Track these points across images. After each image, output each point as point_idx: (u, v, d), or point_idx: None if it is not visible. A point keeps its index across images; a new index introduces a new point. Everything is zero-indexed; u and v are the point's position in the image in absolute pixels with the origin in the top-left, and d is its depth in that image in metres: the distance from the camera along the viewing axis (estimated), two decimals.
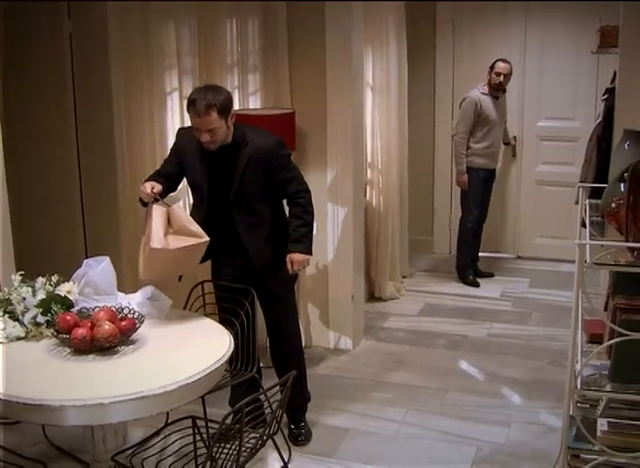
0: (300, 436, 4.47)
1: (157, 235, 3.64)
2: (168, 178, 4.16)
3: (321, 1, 5.25)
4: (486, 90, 7.00)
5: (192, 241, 3.72)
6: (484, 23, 7.68)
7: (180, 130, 4.44)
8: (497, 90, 6.98)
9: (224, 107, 3.89)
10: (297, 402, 4.44)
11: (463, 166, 7.03)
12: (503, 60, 6.94)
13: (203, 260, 4.11)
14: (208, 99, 3.82)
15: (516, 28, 7.59)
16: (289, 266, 4.17)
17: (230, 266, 4.30)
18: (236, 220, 4.12)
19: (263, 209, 4.19)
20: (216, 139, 3.92)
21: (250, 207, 4.13)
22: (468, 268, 7.30)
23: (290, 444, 4.21)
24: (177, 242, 3.68)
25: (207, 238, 3.77)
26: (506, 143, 7.62)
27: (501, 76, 6.90)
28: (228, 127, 3.96)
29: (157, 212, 3.72)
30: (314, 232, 4.33)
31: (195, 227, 3.77)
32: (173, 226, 3.73)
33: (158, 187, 3.92)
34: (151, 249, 3.60)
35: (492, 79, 6.94)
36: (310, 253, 4.23)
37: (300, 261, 4.17)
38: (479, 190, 7.15)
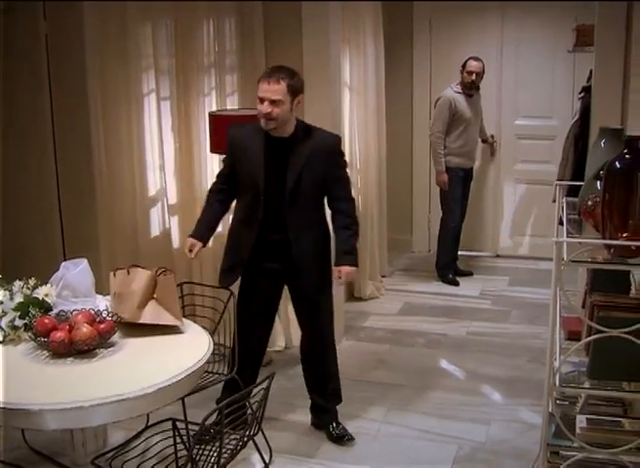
0: (345, 435, 4.47)
1: (131, 306, 3.50)
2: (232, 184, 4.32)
3: (298, 1, 5.24)
4: (459, 88, 7.01)
5: (165, 320, 3.52)
6: (461, 22, 7.70)
7: (231, 128, 4.37)
8: (470, 88, 7.00)
9: (295, 86, 3.98)
10: (335, 402, 4.57)
11: (442, 165, 7.02)
12: (475, 58, 6.96)
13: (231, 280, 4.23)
14: (283, 71, 3.97)
15: (493, 27, 7.61)
16: (335, 277, 4.17)
17: (266, 274, 4.25)
18: (288, 219, 4.10)
19: (316, 210, 4.20)
20: (276, 116, 3.94)
21: (304, 205, 4.11)
22: (449, 267, 7.31)
23: (334, 443, 4.43)
24: (150, 314, 3.50)
25: (181, 323, 3.56)
26: (484, 141, 7.65)
27: (474, 75, 6.92)
28: (291, 110, 4.00)
29: (145, 275, 3.62)
30: None
31: (177, 309, 3.60)
32: (156, 294, 3.59)
33: (197, 248, 4.22)
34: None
35: (464, 78, 6.96)
36: (357, 265, 4.23)
37: (348, 273, 4.15)
38: (459, 189, 7.14)
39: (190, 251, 4.20)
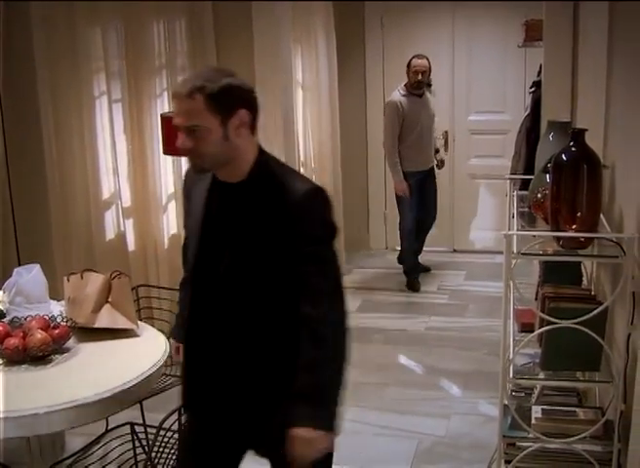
0: None
1: (85, 310, 3.48)
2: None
3: (248, 0, 5.23)
4: (406, 90, 6.74)
5: (120, 324, 3.49)
6: (413, 20, 7.74)
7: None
8: (417, 88, 6.71)
9: (221, 96, 2.37)
10: None
11: (400, 174, 6.77)
12: (419, 56, 6.69)
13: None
14: (200, 78, 2.38)
15: (444, 24, 7.66)
16: (288, 446, 2.39)
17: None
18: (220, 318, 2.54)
19: (272, 310, 2.48)
20: (198, 149, 2.39)
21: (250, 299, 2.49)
22: (416, 271, 7.19)
23: None
24: (105, 318, 3.48)
25: (137, 327, 3.52)
26: (436, 151, 7.21)
27: (419, 74, 6.62)
28: (227, 138, 2.41)
29: (99, 279, 3.58)
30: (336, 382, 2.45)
31: (132, 312, 3.56)
32: (110, 298, 3.56)
33: (181, 349, 2.75)
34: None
35: (410, 77, 6.68)
36: (327, 429, 2.41)
37: (304, 441, 2.38)
38: (416, 194, 6.89)
39: (177, 353, 2.85)
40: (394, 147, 6.74)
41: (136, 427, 3.69)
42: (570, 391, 3.52)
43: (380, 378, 5.22)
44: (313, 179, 6.22)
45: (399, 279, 7.20)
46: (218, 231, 2.52)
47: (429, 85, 6.89)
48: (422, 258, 7.56)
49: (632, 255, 2.85)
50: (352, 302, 6.63)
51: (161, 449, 3.11)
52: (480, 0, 7.36)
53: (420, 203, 7.00)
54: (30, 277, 3.56)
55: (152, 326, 3.76)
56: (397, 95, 6.76)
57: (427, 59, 6.70)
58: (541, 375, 3.22)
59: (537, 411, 3.22)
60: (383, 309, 6.55)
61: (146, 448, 3.54)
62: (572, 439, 3.05)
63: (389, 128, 6.74)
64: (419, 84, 6.67)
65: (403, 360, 5.48)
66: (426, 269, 7.44)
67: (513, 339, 3.41)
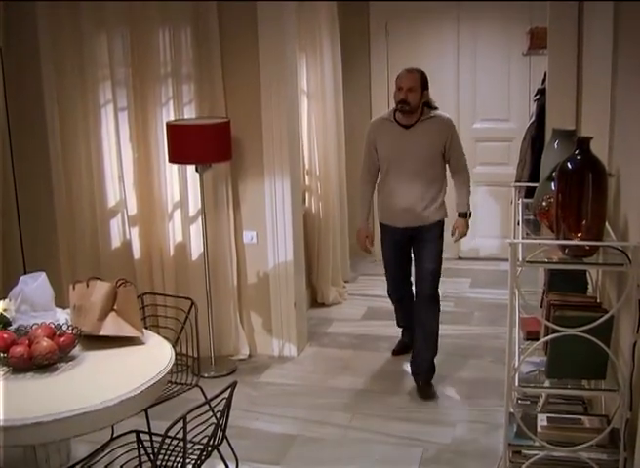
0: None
1: (91, 318, 3.49)
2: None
3: (252, 0, 5.23)
4: (392, 114, 5.06)
5: (126, 332, 3.51)
6: (417, 27, 7.73)
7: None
8: (403, 111, 4.92)
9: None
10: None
11: (363, 215, 5.32)
12: (408, 70, 4.95)
13: None
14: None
15: (449, 31, 7.65)
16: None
17: None
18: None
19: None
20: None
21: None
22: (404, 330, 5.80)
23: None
24: (110, 326, 3.49)
25: (142, 335, 3.55)
26: (460, 215, 5.30)
27: (403, 91, 4.85)
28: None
29: (104, 286, 3.59)
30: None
31: (137, 320, 3.58)
32: (116, 306, 3.57)
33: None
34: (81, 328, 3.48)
35: (395, 96, 4.95)
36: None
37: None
38: (389, 253, 5.33)
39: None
40: (366, 181, 5.28)
41: (141, 435, 3.68)
42: (575, 399, 3.51)
43: (385, 386, 5.22)
44: (318, 187, 6.29)
45: None
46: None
47: (430, 107, 5.03)
48: None
49: (638, 264, 2.85)
50: (357, 310, 6.68)
51: (166, 457, 3.12)
52: (485, 0, 7.35)
53: (402, 265, 5.39)
54: (36, 285, 3.56)
55: (158, 333, 3.77)
56: (384, 114, 5.23)
57: (418, 74, 4.92)
58: (547, 384, 3.22)
59: (542, 420, 3.21)
60: (389, 317, 6.51)
61: (152, 455, 3.54)
62: (577, 447, 3.04)
63: (364, 153, 5.28)
64: (403, 106, 4.88)
65: (408, 368, 5.46)
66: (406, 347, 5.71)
67: (519, 347, 3.41)
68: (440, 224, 5.17)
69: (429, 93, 5.00)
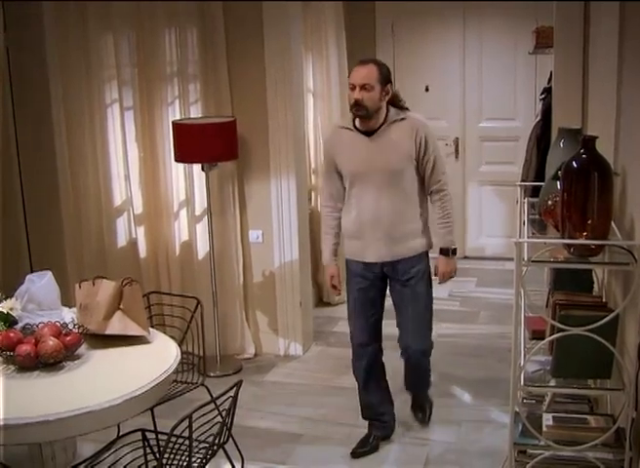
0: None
1: (97, 317, 3.50)
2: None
3: (258, 0, 5.24)
4: (352, 120, 4.06)
5: (131, 331, 3.51)
6: (423, 27, 7.72)
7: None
8: (359, 116, 3.95)
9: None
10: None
11: (327, 249, 4.33)
12: (362, 62, 3.94)
13: None
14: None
15: (455, 31, 7.64)
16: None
17: None
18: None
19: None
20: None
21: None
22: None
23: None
24: (116, 325, 3.50)
25: (148, 333, 3.55)
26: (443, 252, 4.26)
27: (356, 90, 3.85)
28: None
29: (110, 285, 3.60)
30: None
31: (143, 319, 3.58)
32: (122, 305, 3.58)
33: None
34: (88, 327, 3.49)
35: (348, 98, 3.98)
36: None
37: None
38: (357, 298, 4.30)
39: None
40: (328, 206, 4.25)
41: (147, 434, 3.69)
42: (581, 398, 3.51)
43: (391, 385, 5.19)
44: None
45: None
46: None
47: (400, 107, 4.06)
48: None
49: None
50: None
51: (172, 456, 3.12)
52: (491, 0, 7.34)
53: (373, 314, 4.33)
54: (42, 284, 3.57)
55: (163, 332, 3.77)
56: (335, 127, 4.34)
57: (374, 66, 3.91)
58: (552, 383, 3.22)
59: (548, 419, 3.21)
60: (394, 315, 6.48)
61: (157, 454, 3.55)
62: (583, 446, 3.04)
63: (323, 173, 4.36)
64: (357, 110, 3.91)
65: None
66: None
67: (524, 347, 3.41)
68: (424, 256, 4.20)
69: (394, 88, 4.03)
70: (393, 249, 4.07)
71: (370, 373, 4.37)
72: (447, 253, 4.23)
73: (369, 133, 3.99)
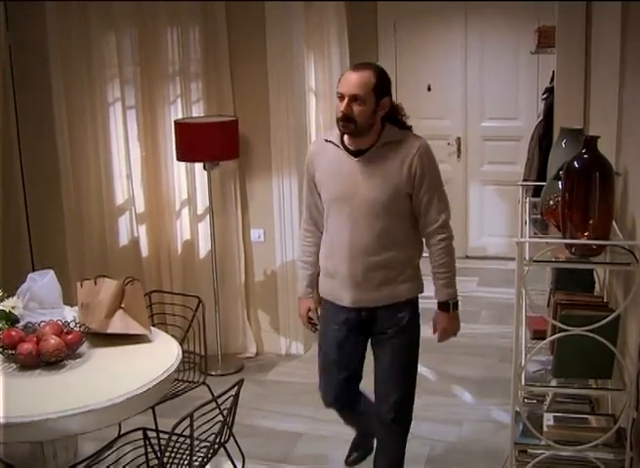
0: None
1: (98, 316, 3.49)
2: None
3: (261, 0, 5.24)
4: (340, 136, 3.38)
5: (133, 329, 3.49)
6: (425, 26, 7.72)
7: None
8: (347, 132, 3.29)
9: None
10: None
11: (302, 280, 3.72)
12: (356, 68, 3.28)
13: None
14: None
15: (456, 30, 7.64)
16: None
17: None
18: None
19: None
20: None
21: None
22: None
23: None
24: (118, 324, 3.49)
25: (149, 332, 3.53)
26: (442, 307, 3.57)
27: (344, 100, 3.21)
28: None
29: (112, 284, 3.60)
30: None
31: (145, 318, 3.58)
32: (123, 304, 3.57)
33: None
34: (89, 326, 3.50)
35: (336, 110, 3.29)
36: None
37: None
38: (329, 343, 3.61)
39: None
40: (303, 230, 3.71)
41: (148, 432, 3.69)
42: (582, 398, 3.50)
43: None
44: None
45: None
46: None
47: (396, 124, 3.38)
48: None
49: None
50: None
51: (173, 455, 3.13)
52: (493, 0, 7.34)
53: (347, 364, 3.66)
54: (44, 282, 3.57)
55: (165, 331, 3.78)
56: (320, 138, 3.87)
57: (369, 73, 3.22)
58: (553, 383, 3.22)
59: (549, 419, 3.21)
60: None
61: (158, 453, 3.54)
62: (584, 446, 3.04)
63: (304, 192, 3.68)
64: (344, 125, 3.25)
65: None
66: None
67: (525, 346, 3.42)
68: (412, 304, 3.55)
69: (394, 101, 3.36)
70: (373, 296, 3.41)
71: (344, 408, 3.89)
72: (447, 307, 3.51)
73: (357, 153, 3.33)
